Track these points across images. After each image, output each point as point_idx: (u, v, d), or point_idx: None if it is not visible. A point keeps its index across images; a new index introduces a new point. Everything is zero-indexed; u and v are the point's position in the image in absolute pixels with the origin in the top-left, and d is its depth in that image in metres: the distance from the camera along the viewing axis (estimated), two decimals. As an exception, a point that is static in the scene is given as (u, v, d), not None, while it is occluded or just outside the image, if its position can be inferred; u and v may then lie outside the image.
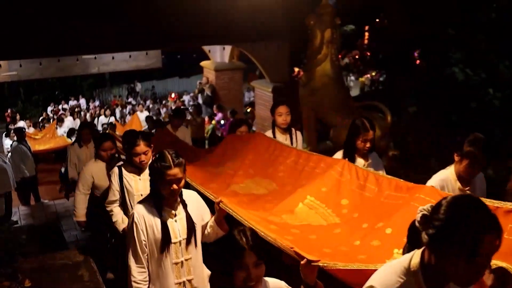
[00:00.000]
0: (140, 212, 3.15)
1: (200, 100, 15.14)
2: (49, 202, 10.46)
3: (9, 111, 20.91)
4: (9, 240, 5.11)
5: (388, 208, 3.29)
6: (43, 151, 12.71)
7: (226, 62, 14.07)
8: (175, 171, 3.05)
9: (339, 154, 4.55)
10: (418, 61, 10.77)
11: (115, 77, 25.29)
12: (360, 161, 4.40)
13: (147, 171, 3.92)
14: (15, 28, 7.80)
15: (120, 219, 4.39)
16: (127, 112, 19.01)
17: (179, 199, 3.22)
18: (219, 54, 14.14)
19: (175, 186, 3.06)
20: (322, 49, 8.02)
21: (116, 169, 4.28)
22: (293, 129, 5.68)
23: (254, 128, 13.84)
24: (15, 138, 11.51)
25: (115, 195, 4.36)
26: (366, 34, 17.02)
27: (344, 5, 10.43)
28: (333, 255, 2.93)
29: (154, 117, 10.95)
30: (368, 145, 4.45)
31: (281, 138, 5.46)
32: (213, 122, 12.96)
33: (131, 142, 4.14)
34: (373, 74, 17.92)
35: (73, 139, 12.65)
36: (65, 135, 13.82)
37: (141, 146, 4.13)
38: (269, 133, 5.52)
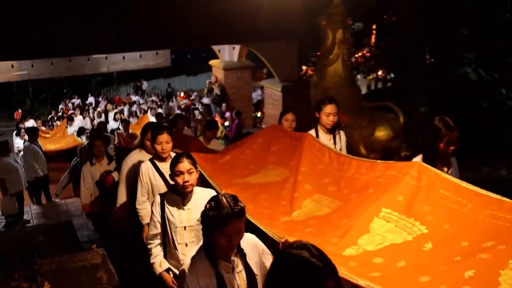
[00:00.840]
0: (192, 270, 2.65)
1: (208, 99, 15.16)
2: (60, 201, 10.51)
3: (20, 110, 21.04)
4: (26, 241, 5.17)
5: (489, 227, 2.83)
6: (54, 151, 12.76)
7: (235, 61, 14.09)
8: (236, 222, 2.51)
9: (417, 159, 3.95)
10: (429, 61, 10.73)
11: (123, 75, 25.34)
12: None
13: (192, 200, 3.59)
14: (28, 29, 7.85)
15: (158, 262, 3.70)
16: (134, 110, 19.05)
17: (236, 249, 2.68)
18: (228, 53, 14.16)
19: (235, 240, 2.57)
20: (333, 49, 7.98)
21: (158, 198, 3.68)
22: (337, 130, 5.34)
23: (264, 126, 13.89)
24: (25, 137, 11.59)
25: (156, 227, 3.66)
26: (375, 32, 16.94)
27: (352, 2, 10.41)
28: (434, 283, 2.54)
29: (164, 114, 10.97)
30: (452, 147, 3.96)
31: (325, 138, 5.09)
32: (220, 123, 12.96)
33: (173, 159, 3.64)
34: (380, 73, 17.87)
35: (83, 138, 12.73)
36: (75, 134, 13.88)
37: (185, 164, 3.53)
38: (311, 132, 5.07)
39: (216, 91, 14.06)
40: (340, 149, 5.11)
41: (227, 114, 13.49)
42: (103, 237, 6.34)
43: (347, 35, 8.07)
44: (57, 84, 25.12)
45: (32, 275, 4.49)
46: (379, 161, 3.78)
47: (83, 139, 12.52)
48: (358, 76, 19.59)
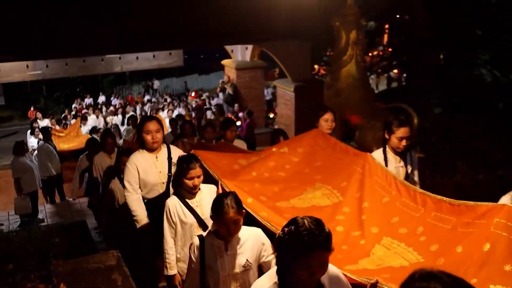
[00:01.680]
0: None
1: (220, 99, 15.16)
2: (74, 200, 10.59)
3: (32, 109, 21.18)
4: (42, 242, 5.21)
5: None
6: (67, 150, 12.84)
7: (248, 61, 14.07)
8: (320, 253, 2.11)
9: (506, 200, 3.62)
10: (443, 61, 10.65)
11: (135, 74, 25.48)
12: None
13: (237, 244, 3.18)
14: (42, 30, 7.91)
15: None
16: (147, 110, 19.13)
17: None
18: (241, 52, 14.15)
19: (317, 274, 2.23)
20: (347, 50, 8.00)
21: (196, 241, 3.24)
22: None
23: (276, 126, 13.88)
24: (40, 136, 11.68)
25: (196, 276, 3.26)
26: (387, 31, 16.88)
27: (365, 2, 10.37)
28: None
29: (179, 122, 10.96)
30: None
31: (394, 161, 4.52)
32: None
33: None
34: (396, 71, 17.76)
35: (96, 137, 12.79)
36: (89, 133, 13.96)
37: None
38: (378, 154, 4.51)
39: (229, 90, 14.07)
40: (412, 172, 4.59)
41: (241, 114, 13.49)
42: (114, 238, 6.34)
43: (361, 36, 8.08)
44: (71, 83, 25.29)
45: (47, 276, 4.52)
46: (460, 202, 3.12)
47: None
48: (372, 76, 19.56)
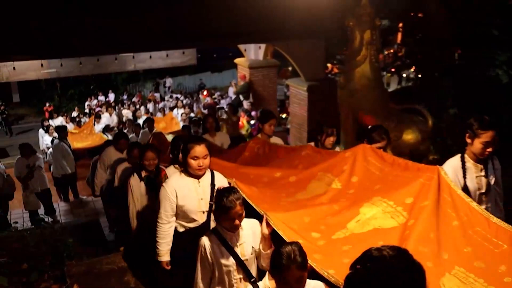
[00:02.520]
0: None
1: (230, 99, 15.17)
2: (87, 198, 10.67)
3: (47, 105, 21.33)
4: (56, 241, 5.25)
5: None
6: (81, 149, 12.93)
7: (261, 59, 14.05)
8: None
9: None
10: (458, 61, 10.53)
11: (148, 72, 25.54)
12: None
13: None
14: (57, 29, 7.96)
15: None
16: (159, 108, 19.20)
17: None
18: (254, 51, 14.13)
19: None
20: (361, 50, 7.92)
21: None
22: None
23: (288, 126, 13.86)
24: (54, 134, 11.77)
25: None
26: (401, 30, 16.73)
27: (379, 0, 10.29)
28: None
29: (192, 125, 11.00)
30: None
31: (473, 170, 4.02)
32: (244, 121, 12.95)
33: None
34: (412, 69, 17.58)
35: (108, 135, 12.87)
36: (102, 131, 14.05)
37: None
38: (455, 161, 4.07)
39: (235, 90, 14.02)
40: (495, 183, 4.08)
41: (253, 112, 13.48)
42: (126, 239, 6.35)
43: (375, 36, 8.00)
44: (84, 81, 25.44)
45: (61, 276, 4.56)
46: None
47: (109, 137, 12.67)
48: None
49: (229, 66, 22.51)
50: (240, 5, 9.01)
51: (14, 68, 11.37)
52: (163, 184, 4.00)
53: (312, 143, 5.49)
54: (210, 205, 3.90)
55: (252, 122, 13.06)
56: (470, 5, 8.88)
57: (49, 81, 24.10)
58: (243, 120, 12.75)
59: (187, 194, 3.89)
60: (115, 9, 8.30)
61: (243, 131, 12.57)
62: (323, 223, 3.50)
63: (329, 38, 11.80)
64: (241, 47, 14.40)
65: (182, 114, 14.74)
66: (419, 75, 14.15)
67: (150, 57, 13.15)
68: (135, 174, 5.16)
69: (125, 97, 23.57)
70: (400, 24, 14.32)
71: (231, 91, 18.42)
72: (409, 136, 7.32)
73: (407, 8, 12.03)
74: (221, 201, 3.22)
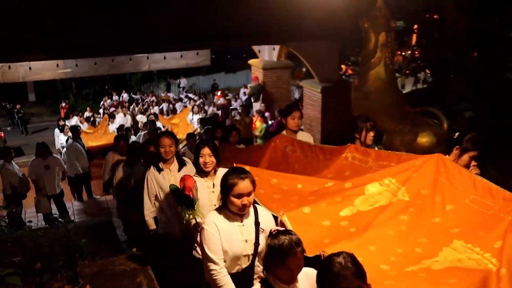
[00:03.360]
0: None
1: (242, 101, 15.15)
2: (101, 198, 10.75)
3: (63, 104, 21.50)
4: (69, 242, 5.27)
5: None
6: (95, 148, 13.03)
7: (275, 61, 14.03)
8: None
9: None
10: (474, 63, 10.42)
11: (163, 72, 25.64)
12: None
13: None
14: (73, 30, 8.01)
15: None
16: (171, 108, 19.30)
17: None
18: (268, 52, 14.11)
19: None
20: (376, 52, 7.86)
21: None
22: None
23: (302, 127, 13.82)
24: (69, 134, 11.88)
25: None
26: (416, 31, 16.60)
27: (394, 1, 10.21)
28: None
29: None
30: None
31: None
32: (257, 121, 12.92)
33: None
34: (427, 71, 17.41)
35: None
36: (116, 131, 14.15)
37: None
38: None
39: (246, 91, 14.01)
40: None
41: (267, 113, 13.48)
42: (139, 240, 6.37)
43: (390, 38, 7.93)
44: (99, 80, 25.62)
45: (74, 277, 4.57)
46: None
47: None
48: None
49: (243, 67, 22.50)
50: (255, 6, 9.00)
51: (30, 68, 11.50)
52: (203, 225, 3.39)
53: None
54: (255, 247, 3.38)
55: (270, 122, 13.06)
56: (487, 6, 8.77)
57: (64, 81, 24.29)
58: (256, 122, 12.74)
59: (230, 235, 3.33)
60: (130, 10, 8.34)
61: (257, 133, 12.56)
62: (393, 254, 3.10)
63: (344, 40, 11.74)
64: (255, 48, 14.39)
65: (198, 119, 14.78)
66: (434, 78, 14.03)
67: (165, 57, 13.22)
68: (152, 167, 4.99)
69: (138, 97, 23.69)
70: (415, 26, 14.21)
71: (242, 93, 18.49)
72: (424, 139, 7.25)
73: (422, 9, 11.94)
74: (277, 246, 2.71)
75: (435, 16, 12.39)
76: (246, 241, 3.36)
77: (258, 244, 3.36)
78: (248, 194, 3.25)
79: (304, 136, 5.50)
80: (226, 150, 6.22)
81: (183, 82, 26.88)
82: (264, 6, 9.04)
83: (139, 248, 5.57)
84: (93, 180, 11.08)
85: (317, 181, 4.04)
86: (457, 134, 4.99)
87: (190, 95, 21.67)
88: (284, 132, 5.46)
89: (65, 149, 10.95)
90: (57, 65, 11.97)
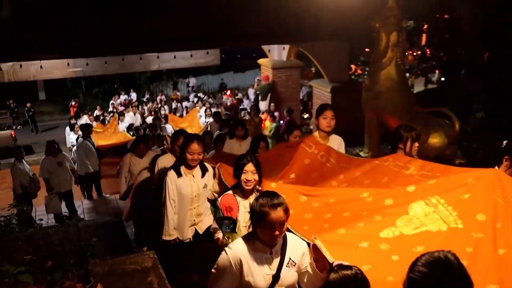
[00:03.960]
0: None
1: (251, 101, 15.11)
2: (110, 196, 10.77)
3: (73, 103, 21.58)
4: (80, 240, 5.28)
5: None
6: (105, 146, 13.06)
7: (284, 60, 14.02)
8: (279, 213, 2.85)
9: None
10: (486, 63, 10.34)
11: (172, 71, 25.68)
12: None
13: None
14: (83, 30, 8.05)
15: None
16: (182, 107, 19.33)
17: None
18: (277, 52, 14.11)
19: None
20: (387, 52, 7.86)
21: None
22: None
23: (311, 127, 13.79)
24: (79, 132, 11.91)
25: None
26: (426, 31, 16.53)
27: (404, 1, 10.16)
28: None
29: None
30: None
31: None
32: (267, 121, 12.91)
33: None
34: (437, 73, 17.37)
35: (131, 133, 13.00)
36: (126, 130, 14.18)
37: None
38: None
39: (255, 87, 13.95)
40: None
41: (276, 113, 13.46)
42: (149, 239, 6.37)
43: (401, 38, 7.92)
44: (109, 79, 25.69)
45: (85, 275, 4.57)
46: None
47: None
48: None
49: (252, 66, 22.50)
50: (266, 7, 8.99)
51: (41, 67, 11.55)
52: (228, 252, 3.05)
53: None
54: (274, 279, 3.04)
55: (281, 121, 13.05)
56: (499, 7, 8.69)
57: (74, 79, 24.35)
58: (266, 121, 12.73)
59: (255, 269, 3.02)
60: (141, 10, 8.36)
61: (266, 132, 12.55)
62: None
63: (354, 40, 11.71)
64: (265, 47, 14.39)
65: (206, 110, 14.79)
66: (444, 77, 13.97)
67: (175, 57, 13.23)
68: (171, 171, 4.73)
69: (146, 96, 23.72)
70: (425, 26, 14.15)
71: (251, 93, 18.46)
72: (435, 140, 7.21)
73: (433, 9, 11.88)
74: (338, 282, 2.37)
75: (445, 16, 12.33)
76: (272, 276, 3.05)
77: (278, 277, 3.02)
78: (281, 225, 2.91)
79: (335, 140, 5.13)
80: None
81: (192, 81, 26.90)
82: (275, 6, 9.04)
83: (150, 248, 5.56)
84: (103, 178, 11.11)
85: (351, 192, 3.68)
86: (505, 142, 4.52)
87: (200, 94, 21.69)
88: (316, 134, 5.08)
89: (75, 147, 10.97)
90: (68, 64, 12.03)
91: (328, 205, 3.58)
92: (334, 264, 2.58)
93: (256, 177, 3.83)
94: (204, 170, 4.80)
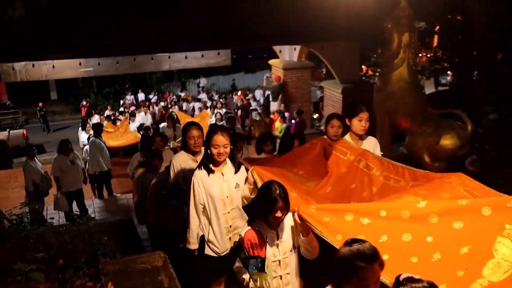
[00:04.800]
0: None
1: (260, 102, 15.09)
2: (121, 196, 10.82)
3: (84, 102, 21.70)
4: (91, 239, 5.30)
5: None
6: (116, 147, 13.10)
7: (295, 61, 14.01)
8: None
9: None
10: (499, 65, 10.26)
11: (183, 71, 25.79)
12: None
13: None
14: (95, 30, 8.08)
15: None
16: (192, 107, 19.36)
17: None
18: (288, 52, 14.10)
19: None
20: (399, 53, 7.79)
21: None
22: None
23: (322, 128, 13.76)
24: (91, 132, 11.98)
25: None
26: (438, 33, 16.43)
27: (416, 2, 10.09)
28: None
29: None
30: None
31: None
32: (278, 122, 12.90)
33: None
34: (449, 74, 17.24)
35: (141, 133, 13.03)
36: (137, 130, 14.22)
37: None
38: None
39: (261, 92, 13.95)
40: None
41: (287, 113, 13.46)
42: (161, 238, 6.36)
43: (413, 39, 7.86)
44: (120, 79, 25.82)
45: (96, 274, 4.59)
46: None
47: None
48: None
49: (263, 67, 22.51)
50: (277, 7, 8.98)
51: (53, 67, 11.65)
52: None
53: None
54: None
55: (292, 121, 13.04)
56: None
57: (85, 79, 24.54)
58: (276, 122, 12.73)
59: None
60: (152, 10, 8.38)
61: (277, 133, 12.55)
62: None
63: (365, 40, 11.67)
64: (276, 48, 14.39)
65: (216, 113, 14.81)
66: (456, 79, 13.87)
67: (186, 57, 13.29)
68: (200, 169, 4.29)
69: (154, 97, 23.80)
70: (437, 27, 14.06)
71: (258, 94, 18.47)
72: (447, 142, 7.15)
73: (446, 10, 11.80)
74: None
75: (458, 18, 12.24)
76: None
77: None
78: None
79: (370, 142, 4.85)
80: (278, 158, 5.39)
81: (203, 81, 26.94)
82: (287, 7, 9.02)
83: (162, 247, 5.57)
84: (113, 178, 11.16)
85: (408, 207, 3.11)
86: None
87: (213, 94, 21.74)
88: (347, 137, 4.77)
89: (87, 146, 11.00)
90: (80, 64, 12.12)
91: (380, 221, 3.07)
92: (402, 277, 2.41)
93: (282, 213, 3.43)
94: (235, 167, 4.29)
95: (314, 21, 9.31)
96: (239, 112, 16.05)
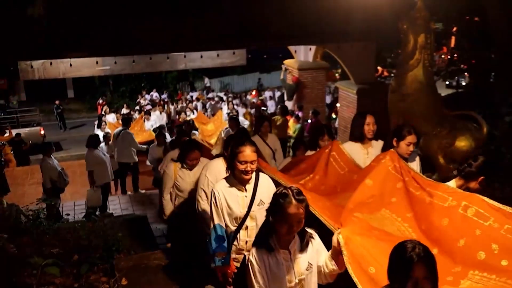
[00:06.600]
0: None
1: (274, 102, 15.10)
2: (146, 192, 11.03)
3: (101, 101, 21.90)
4: (106, 235, 5.38)
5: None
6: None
7: (310, 61, 13.98)
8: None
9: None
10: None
11: (198, 70, 25.94)
12: None
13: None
14: (112, 29, 8.17)
15: None
16: (208, 107, 19.48)
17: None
18: (303, 53, 14.08)
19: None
20: (414, 54, 7.73)
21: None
22: None
23: (336, 125, 13.76)
24: (106, 130, 12.12)
25: None
26: (455, 34, 16.30)
27: (433, 2, 10.03)
28: None
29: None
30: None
31: None
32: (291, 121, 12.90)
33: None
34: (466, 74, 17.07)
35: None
36: (152, 129, 14.35)
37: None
38: None
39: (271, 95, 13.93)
40: None
41: (300, 113, 13.46)
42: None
43: (430, 40, 7.80)
44: (136, 78, 26.01)
45: (110, 269, 4.66)
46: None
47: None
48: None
49: (278, 67, 22.56)
50: (293, 8, 8.99)
51: (70, 65, 11.78)
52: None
53: None
54: None
55: (308, 121, 13.04)
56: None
57: (102, 78, 24.77)
58: (290, 122, 12.73)
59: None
60: (169, 11, 8.45)
61: (291, 133, 12.56)
62: None
63: (381, 41, 11.62)
64: (291, 48, 14.38)
65: (228, 113, 14.89)
66: (474, 81, 13.75)
67: (201, 56, 13.33)
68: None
69: (165, 96, 23.96)
70: (454, 28, 13.94)
71: (268, 95, 18.60)
72: (462, 143, 7.09)
73: (463, 11, 11.71)
74: None
75: (475, 19, 12.14)
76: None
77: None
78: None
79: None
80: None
81: (206, 80, 27.13)
82: (303, 7, 9.02)
83: (175, 244, 5.61)
84: (128, 176, 11.27)
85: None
86: None
87: (227, 94, 21.84)
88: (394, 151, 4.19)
89: (117, 138, 10.95)
90: (97, 62, 12.21)
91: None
92: None
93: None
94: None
95: (330, 21, 9.30)
96: (253, 111, 16.10)
